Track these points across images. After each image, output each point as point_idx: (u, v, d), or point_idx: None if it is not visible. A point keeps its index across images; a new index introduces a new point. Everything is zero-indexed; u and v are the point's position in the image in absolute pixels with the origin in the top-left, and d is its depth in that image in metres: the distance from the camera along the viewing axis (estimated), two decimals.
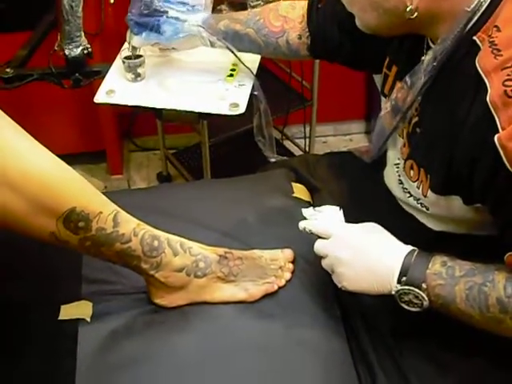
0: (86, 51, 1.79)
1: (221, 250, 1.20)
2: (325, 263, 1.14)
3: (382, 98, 1.32)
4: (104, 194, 1.07)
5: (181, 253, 1.13)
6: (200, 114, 1.64)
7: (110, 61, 1.79)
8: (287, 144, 2.95)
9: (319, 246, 1.14)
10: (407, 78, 1.13)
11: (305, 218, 1.19)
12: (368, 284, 1.09)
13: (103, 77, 1.73)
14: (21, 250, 1.23)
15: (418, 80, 1.10)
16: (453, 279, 1.02)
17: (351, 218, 1.18)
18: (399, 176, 1.26)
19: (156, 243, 1.10)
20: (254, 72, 1.68)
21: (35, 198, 0.95)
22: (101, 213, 1.02)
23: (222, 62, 1.73)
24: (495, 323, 1.00)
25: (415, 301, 1.05)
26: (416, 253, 1.06)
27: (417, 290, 1.03)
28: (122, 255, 1.07)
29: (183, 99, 1.64)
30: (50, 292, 1.22)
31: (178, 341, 1.13)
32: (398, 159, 1.25)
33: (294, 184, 1.49)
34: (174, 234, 1.15)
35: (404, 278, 1.04)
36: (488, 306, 0.99)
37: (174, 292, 1.15)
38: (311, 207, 1.22)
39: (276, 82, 2.70)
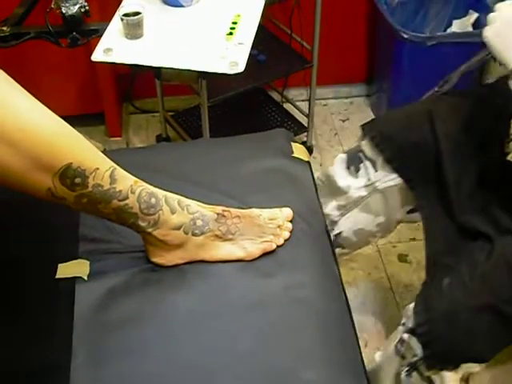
0: (83, 9, 1.77)
1: (219, 209, 1.19)
2: None
3: None
4: (102, 153, 1.05)
5: (178, 210, 1.12)
6: (200, 72, 1.63)
7: (108, 20, 1.77)
8: (287, 107, 2.92)
9: None
10: None
11: None
12: None
13: (101, 36, 1.71)
14: (18, 208, 1.23)
15: None
16: None
17: None
18: None
19: (153, 201, 1.09)
20: (255, 28, 1.66)
21: (32, 154, 0.94)
22: (97, 169, 1.01)
23: (222, 21, 1.71)
24: None
25: None
26: None
27: None
28: (119, 213, 1.07)
29: (182, 58, 1.62)
30: (47, 251, 1.21)
31: (175, 299, 1.12)
32: None
33: (293, 144, 1.48)
34: (171, 192, 1.14)
35: None
36: None
37: (171, 250, 1.15)
38: None
39: (276, 42, 2.67)
